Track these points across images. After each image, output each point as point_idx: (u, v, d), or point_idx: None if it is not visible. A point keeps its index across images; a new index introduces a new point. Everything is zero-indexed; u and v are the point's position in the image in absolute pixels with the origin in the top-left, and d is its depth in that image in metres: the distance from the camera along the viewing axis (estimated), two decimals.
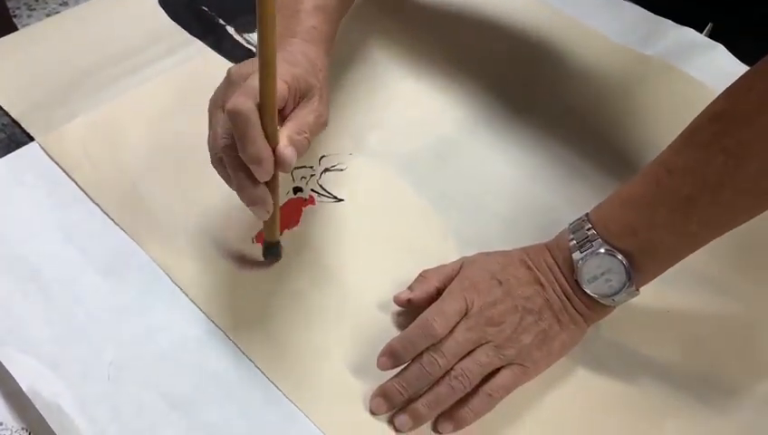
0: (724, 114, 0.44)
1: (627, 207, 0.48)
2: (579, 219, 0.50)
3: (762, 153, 0.42)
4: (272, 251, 0.53)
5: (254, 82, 0.42)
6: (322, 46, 0.53)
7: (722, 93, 0.45)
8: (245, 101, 0.42)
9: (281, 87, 0.44)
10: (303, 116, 0.46)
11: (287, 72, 0.45)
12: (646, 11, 0.78)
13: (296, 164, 0.58)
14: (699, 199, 0.45)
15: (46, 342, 0.48)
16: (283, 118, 0.46)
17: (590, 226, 0.48)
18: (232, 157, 0.44)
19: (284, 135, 0.45)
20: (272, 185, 0.46)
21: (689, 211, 0.45)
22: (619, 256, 0.47)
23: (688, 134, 0.46)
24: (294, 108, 0.47)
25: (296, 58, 0.48)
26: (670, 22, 0.77)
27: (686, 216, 0.45)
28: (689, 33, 0.75)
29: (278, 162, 0.44)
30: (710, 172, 0.44)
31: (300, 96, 0.47)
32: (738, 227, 0.46)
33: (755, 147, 0.42)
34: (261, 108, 0.42)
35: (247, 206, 0.46)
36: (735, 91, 0.44)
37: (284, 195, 0.58)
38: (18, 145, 0.59)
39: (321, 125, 0.48)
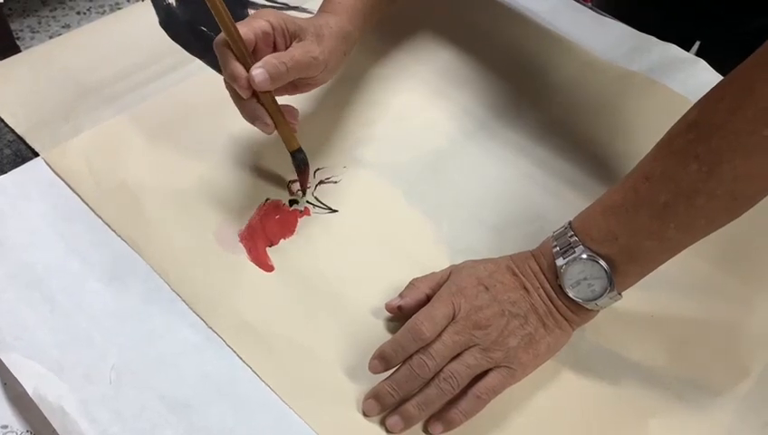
0: (697, 123, 0.46)
1: (607, 215, 0.49)
2: (562, 227, 0.51)
3: (732, 159, 0.44)
4: (296, 158, 0.59)
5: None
6: (343, 15, 0.60)
7: (696, 103, 0.47)
8: (219, 38, 0.53)
9: (262, 24, 0.54)
10: (290, 50, 0.55)
11: (274, 15, 0.55)
12: (631, 28, 0.80)
13: (292, 177, 0.60)
14: (676, 206, 0.46)
15: (51, 347, 0.49)
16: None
17: (572, 233, 0.50)
18: (227, 85, 0.55)
19: (262, 60, 0.52)
20: (266, 104, 0.55)
21: (667, 217, 0.46)
22: (601, 262, 0.48)
23: (664, 143, 0.48)
24: (288, 47, 0.56)
25: (302, 19, 0.57)
26: (654, 38, 0.78)
27: (663, 222, 0.47)
28: (672, 48, 0.78)
29: (250, 80, 0.52)
30: (684, 179, 0.45)
31: (290, 36, 0.56)
32: (717, 231, 0.47)
33: (726, 154, 0.44)
34: (230, 42, 0.53)
35: (251, 123, 0.55)
36: (707, 101, 0.46)
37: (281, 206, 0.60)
38: (24, 160, 0.60)
39: (309, 60, 0.55)
